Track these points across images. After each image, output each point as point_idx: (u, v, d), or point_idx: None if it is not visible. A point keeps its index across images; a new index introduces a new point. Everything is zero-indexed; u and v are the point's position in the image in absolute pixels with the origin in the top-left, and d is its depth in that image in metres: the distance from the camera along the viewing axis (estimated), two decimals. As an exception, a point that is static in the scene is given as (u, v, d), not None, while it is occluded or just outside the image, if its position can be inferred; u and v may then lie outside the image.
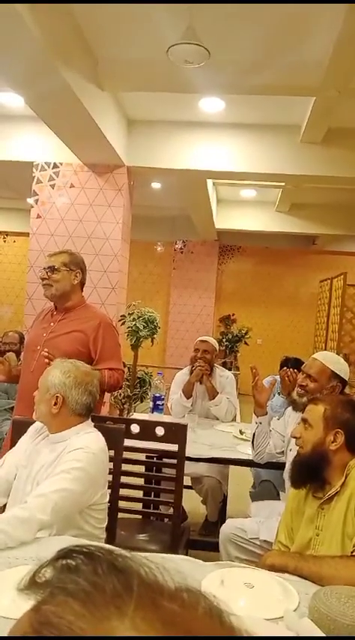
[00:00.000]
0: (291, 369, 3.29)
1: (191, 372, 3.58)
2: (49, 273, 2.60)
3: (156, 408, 3.28)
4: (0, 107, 4.89)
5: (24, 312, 5.43)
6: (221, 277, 10.76)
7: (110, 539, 1.96)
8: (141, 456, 2.66)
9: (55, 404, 1.84)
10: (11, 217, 9.77)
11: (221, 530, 2.31)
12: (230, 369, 6.97)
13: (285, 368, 3.41)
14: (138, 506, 2.71)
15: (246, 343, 10.03)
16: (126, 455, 2.24)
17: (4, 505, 1.88)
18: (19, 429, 2.04)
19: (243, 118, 4.90)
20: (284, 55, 3.49)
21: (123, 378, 2.75)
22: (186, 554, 2.37)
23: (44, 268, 2.63)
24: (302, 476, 1.77)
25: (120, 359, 2.70)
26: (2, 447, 2.85)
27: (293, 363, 3.56)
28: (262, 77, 3.63)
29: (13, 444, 2.04)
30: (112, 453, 2.04)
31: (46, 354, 2.39)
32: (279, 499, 2.97)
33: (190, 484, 3.26)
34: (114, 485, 2.08)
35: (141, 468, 2.58)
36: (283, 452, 2.57)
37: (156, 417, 3.22)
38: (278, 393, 3.69)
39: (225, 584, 1.38)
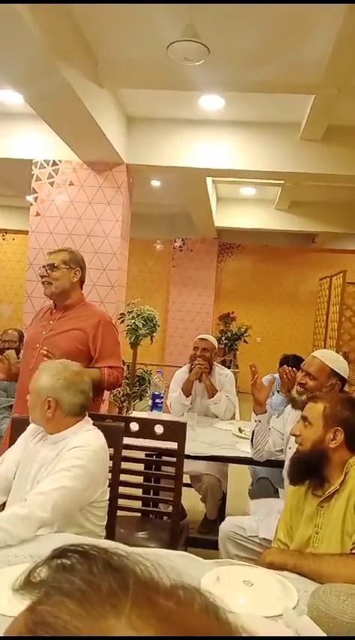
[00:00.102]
0: (290, 367, 3.29)
1: (190, 370, 3.58)
2: (48, 271, 2.60)
3: (155, 406, 3.28)
4: (-1, 105, 4.89)
5: (23, 310, 5.44)
6: (220, 275, 10.75)
7: (109, 536, 1.96)
8: (141, 454, 2.66)
9: (49, 408, 1.81)
10: (10, 215, 9.76)
11: (220, 528, 2.31)
12: (229, 367, 6.99)
13: (285, 366, 3.41)
14: (138, 504, 2.71)
15: (245, 341, 10.04)
16: (126, 453, 2.24)
17: (4, 503, 1.87)
18: (19, 427, 2.04)
19: (242, 116, 4.89)
20: (284, 53, 3.48)
21: (123, 376, 2.75)
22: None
23: (44, 266, 2.62)
24: (301, 473, 1.77)
25: (120, 357, 2.70)
26: (1, 444, 2.85)
27: (292, 361, 3.56)
28: (262, 75, 3.62)
29: (12, 441, 2.04)
30: (111, 451, 2.04)
31: (46, 352, 2.39)
32: (277, 496, 2.97)
33: (189, 482, 3.27)
34: (114, 483, 2.08)
35: (141, 466, 2.58)
36: (282, 450, 2.57)
37: (155, 415, 3.22)
38: (278, 391, 3.69)
39: (225, 582, 1.38)
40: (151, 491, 2.78)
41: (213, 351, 3.67)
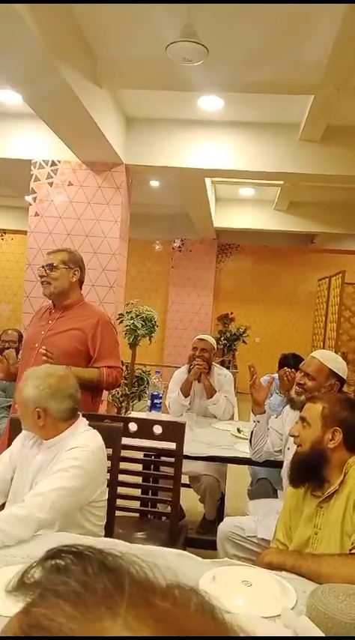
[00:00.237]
0: (290, 370, 3.29)
1: (189, 371, 3.58)
2: (47, 271, 2.60)
3: (153, 406, 3.28)
4: (-2, 105, 4.88)
5: (22, 310, 5.43)
6: (219, 276, 10.75)
7: (108, 537, 1.96)
8: (139, 455, 2.65)
9: (39, 417, 1.79)
10: (9, 215, 9.76)
11: (219, 529, 2.30)
12: (228, 368, 6.98)
13: (286, 368, 3.41)
14: (136, 504, 2.71)
15: (244, 342, 10.03)
16: (124, 453, 2.24)
17: (3, 504, 1.87)
18: (17, 427, 2.03)
19: (241, 116, 4.89)
20: (284, 53, 3.48)
21: (122, 376, 2.74)
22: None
23: (43, 266, 2.62)
24: (300, 474, 1.77)
25: (119, 357, 2.70)
26: (0, 444, 2.84)
27: (292, 360, 3.56)
28: (261, 75, 3.62)
29: (10, 441, 2.03)
30: (110, 451, 2.04)
31: (45, 351, 2.39)
32: (276, 497, 2.97)
33: (188, 482, 3.26)
34: (112, 484, 2.08)
35: (139, 467, 2.58)
36: (281, 450, 2.57)
37: (153, 415, 3.22)
38: (277, 392, 3.69)
39: (223, 582, 1.38)
40: (150, 491, 2.77)
41: (212, 352, 3.66)
